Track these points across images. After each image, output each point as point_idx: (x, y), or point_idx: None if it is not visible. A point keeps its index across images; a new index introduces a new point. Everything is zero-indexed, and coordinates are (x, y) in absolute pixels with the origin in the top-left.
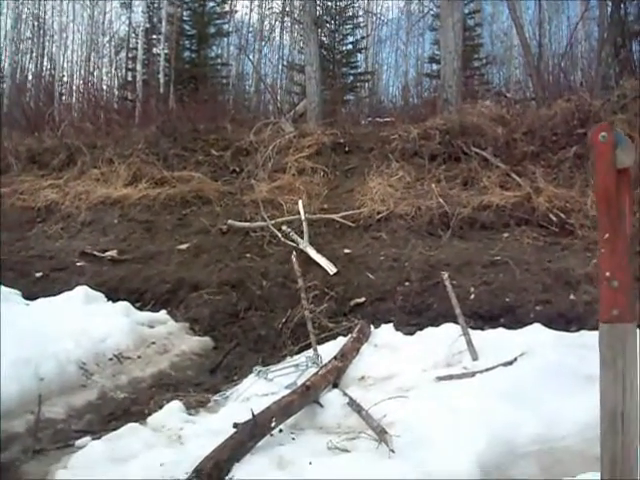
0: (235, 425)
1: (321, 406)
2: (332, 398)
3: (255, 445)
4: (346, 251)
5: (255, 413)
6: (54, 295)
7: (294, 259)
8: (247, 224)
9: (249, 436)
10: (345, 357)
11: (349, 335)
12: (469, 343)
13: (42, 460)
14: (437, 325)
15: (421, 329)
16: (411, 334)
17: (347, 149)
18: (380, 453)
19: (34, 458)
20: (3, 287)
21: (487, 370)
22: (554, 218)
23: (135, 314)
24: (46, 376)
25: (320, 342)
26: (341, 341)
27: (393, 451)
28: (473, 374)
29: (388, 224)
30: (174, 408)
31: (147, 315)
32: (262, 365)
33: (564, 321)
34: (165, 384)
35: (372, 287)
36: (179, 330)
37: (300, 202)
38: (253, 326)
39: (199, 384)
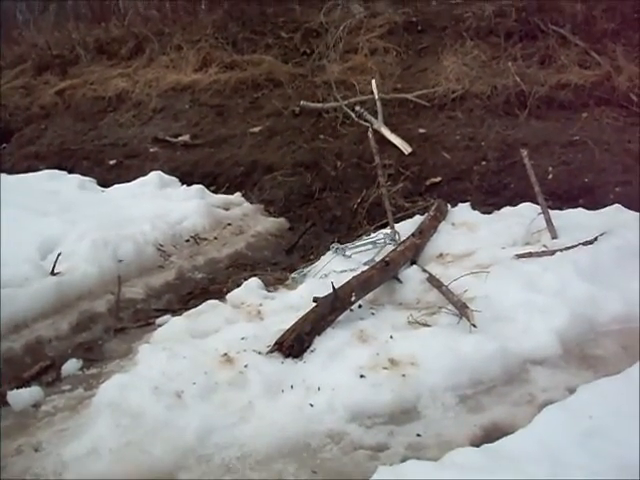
0: (315, 299)
1: (400, 282)
2: (411, 274)
3: (336, 319)
4: (421, 131)
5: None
6: (128, 181)
7: (370, 135)
8: (320, 105)
9: (330, 310)
10: (423, 234)
11: (426, 214)
12: (548, 221)
13: (124, 338)
14: (514, 205)
15: (498, 209)
16: (488, 213)
17: (420, 28)
18: (461, 328)
19: (116, 337)
20: (78, 176)
21: (567, 249)
22: (635, 98)
23: (210, 197)
24: (125, 258)
25: (396, 221)
26: (418, 219)
27: (475, 326)
28: (553, 252)
29: (463, 103)
30: (253, 285)
31: (222, 198)
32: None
33: None
34: (242, 264)
35: (448, 167)
36: (254, 212)
37: (373, 82)
38: (328, 207)
39: (276, 263)
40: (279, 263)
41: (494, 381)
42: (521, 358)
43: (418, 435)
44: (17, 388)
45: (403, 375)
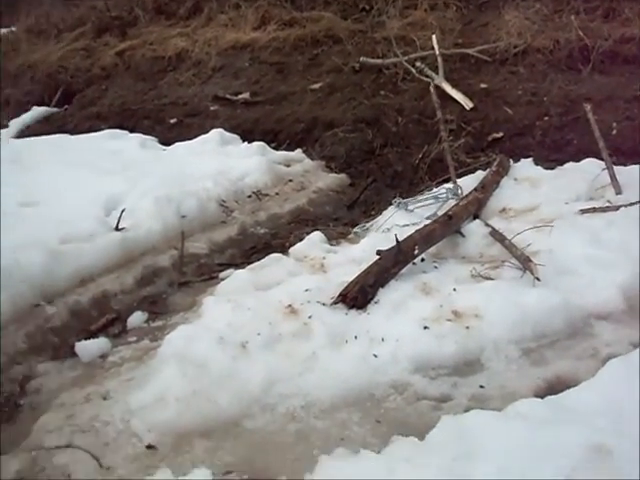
0: (378, 252)
1: (463, 236)
2: (474, 228)
3: (399, 272)
4: (482, 86)
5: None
6: (189, 139)
7: (432, 90)
8: (380, 61)
9: (393, 262)
10: (485, 189)
11: (488, 169)
12: (613, 177)
13: (188, 292)
14: (577, 161)
15: (561, 164)
16: (551, 169)
17: None
18: (525, 281)
19: (180, 290)
20: (140, 135)
21: (631, 204)
22: None
23: (271, 153)
24: (188, 213)
25: (458, 176)
26: (480, 175)
27: (539, 279)
28: (617, 208)
29: (525, 58)
30: (315, 239)
31: (283, 154)
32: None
33: None
34: (304, 219)
35: (510, 122)
36: (315, 168)
37: (434, 37)
38: (389, 162)
39: (337, 219)
40: (340, 218)
41: (557, 335)
42: (585, 312)
43: (481, 387)
44: (85, 340)
45: (467, 327)
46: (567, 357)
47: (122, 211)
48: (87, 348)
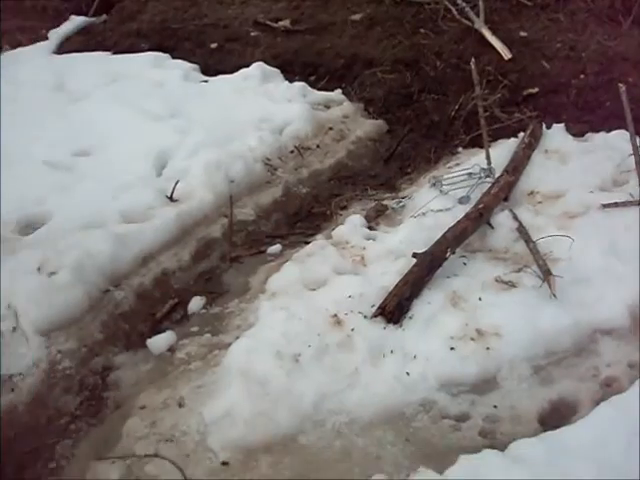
0: (414, 255)
1: (492, 228)
2: (502, 220)
3: (432, 278)
4: (522, 34)
5: (432, 243)
6: (230, 67)
7: (473, 66)
8: None
9: (427, 270)
10: (516, 170)
11: (521, 137)
12: (638, 164)
13: (239, 269)
14: (608, 126)
15: (592, 127)
16: (582, 136)
17: None
18: (543, 293)
19: (232, 266)
20: (182, 62)
21: None
22: None
23: (311, 94)
24: (236, 177)
25: (491, 134)
26: (513, 143)
27: (555, 296)
28: (639, 202)
29: (567, 4)
30: (355, 222)
31: (323, 95)
32: (434, 155)
33: None
34: (343, 176)
35: (546, 77)
36: (354, 112)
37: None
38: (426, 110)
39: (375, 176)
40: (378, 176)
41: (565, 352)
42: (592, 328)
43: (495, 407)
44: (152, 327)
45: (487, 348)
46: (571, 377)
47: (176, 183)
48: (157, 343)
